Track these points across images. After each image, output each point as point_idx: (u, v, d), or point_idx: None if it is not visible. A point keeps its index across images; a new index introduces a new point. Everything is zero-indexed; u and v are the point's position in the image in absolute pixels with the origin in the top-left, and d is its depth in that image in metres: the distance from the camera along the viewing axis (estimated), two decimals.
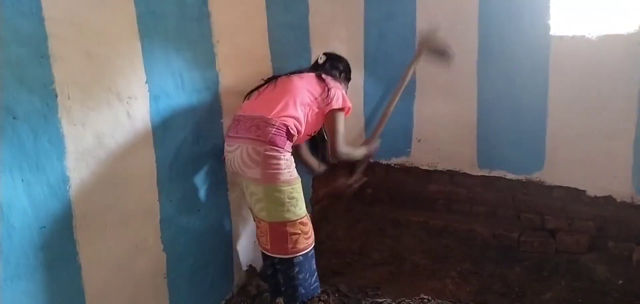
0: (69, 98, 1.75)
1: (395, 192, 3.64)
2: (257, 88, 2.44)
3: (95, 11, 1.84)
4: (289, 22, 3.00)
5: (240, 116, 2.33)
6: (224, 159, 2.37)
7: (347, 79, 2.75)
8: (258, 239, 2.41)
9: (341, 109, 2.44)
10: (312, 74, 2.50)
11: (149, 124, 2.11)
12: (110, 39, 1.90)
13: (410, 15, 3.31)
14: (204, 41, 2.37)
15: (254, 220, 2.41)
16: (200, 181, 2.42)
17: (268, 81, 2.46)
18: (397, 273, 2.98)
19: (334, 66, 2.65)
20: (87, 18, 1.81)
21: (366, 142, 3.01)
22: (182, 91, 2.26)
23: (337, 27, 3.50)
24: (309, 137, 2.51)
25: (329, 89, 2.39)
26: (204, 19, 2.35)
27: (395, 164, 3.62)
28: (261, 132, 2.18)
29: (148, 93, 2.08)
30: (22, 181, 1.65)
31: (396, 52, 3.41)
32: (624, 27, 2.68)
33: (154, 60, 2.09)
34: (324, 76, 2.49)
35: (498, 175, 3.23)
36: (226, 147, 2.32)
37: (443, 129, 3.36)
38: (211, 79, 2.43)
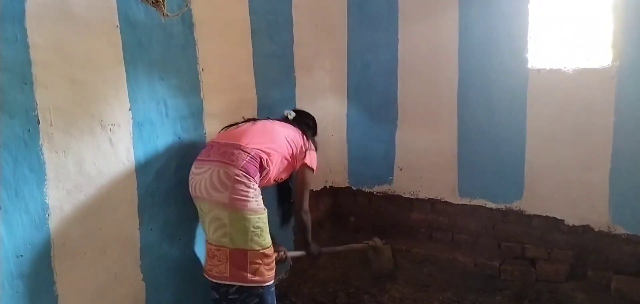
0: (51, 125, 1.74)
1: (378, 220, 3.65)
2: (235, 124, 2.47)
3: (81, 39, 1.84)
4: (273, 51, 3.03)
5: (214, 142, 2.33)
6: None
7: (314, 134, 2.80)
8: (210, 271, 2.20)
9: (312, 169, 2.56)
10: (296, 128, 2.56)
11: (132, 152, 2.10)
12: (95, 66, 1.90)
13: (392, 46, 3.38)
14: (189, 69, 2.38)
15: (208, 249, 2.24)
16: (182, 208, 2.39)
17: (248, 120, 2.53)
18: (380, 302, 2.96)
19: (304, 122, 2.71)
20: (73, 45, 1.82)
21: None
22: (166, 118, 2.26)
23: (321, 57, 3.55)
24: (275, 182, 2.49)
25: (307, 149, 2.53)
26: (189, 47, 2.37)
27: (377, 192, 3.64)
28: (235, 158, 2.18)
29: (131, 120, 2.08)
30: (0, 208, 1.61)
31: (379, 81, 3.47)
32: (598, 61, 2.78)
33: (139, 87, 2.09)
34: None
35: (478, 204, 3.27)
36: (194, 170, 2.26)
37: (424, 158, 3.40)
38: (195, 106, 2.44)
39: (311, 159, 2.55)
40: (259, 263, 2.17)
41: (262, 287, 2.19)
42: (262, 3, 2.87)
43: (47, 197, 1.76)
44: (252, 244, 2.15)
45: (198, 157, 2.29)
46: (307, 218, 2.67)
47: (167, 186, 2.28)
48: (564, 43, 2.88)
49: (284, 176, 2.50)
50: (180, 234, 2.39)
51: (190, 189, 2.26)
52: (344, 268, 3.33)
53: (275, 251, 2.48)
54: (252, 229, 2.14)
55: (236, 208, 2.12)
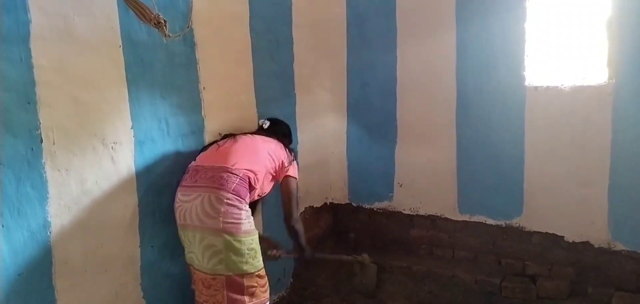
0: (54, 143, 1.76)
1: (378, 237, 3.65)
2: (215, 142, 2.43)
3: (85, 59, 1.88)
4: (273, 70, 3.06)
5: (198, 166, 2.26)
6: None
7: (291, 142, 2.80)
8: (206, 303, 2.17)
9: (295, 178, 2.54)
10: (275, 140, 2.54)
11: (133, 170, 2.12)
12: (98, 86, 1.93)
13: (391, 65, 3.41)
14: (191, 88, 2.41)
15: (202, 278, 2.16)
16: None
17: (226, 136, 2.48)
18: None
19: (280, 132, 2.69)
20: (77, 66, 1.85)
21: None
22: (167, 136, 2.28)
23: (320, 76, 3.58)
24: (258, 198, 2.41)
25: (291, 161, 2.52)
26: (191, 67, 2.40)
27: (378, 209, 3.64)
28: (224, 182, 2.13)
29: (133, 138, 2.10)
30: (2, 226, 1.63)
31: (378, 99, 3.50)
32: (594, 79, 2.80)
33: (141, 106, 2.12)
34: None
35: (478, 220, 3.27)
36: (180, 197, 2.18)
37: (424, 174, 3.41)
38: (196, 124, 2.46)
39: (294, 170, 2.55)
40: (255, 286, 2.15)
41: None
42: (262, 23, 2.91)
43: (49, 215, 1.77)
44: (248, 267, 2.12)
45: (182, 183, 2.22)
46: (299, 226, 2.62)
47: (168, 203, 2.29)
48: (560, 61, 2.91)
49: (267, 190, 2.46)
50: (181, 252, 2.39)
51: (177, 218, 2.19)
52: (345, 287, 3.32)
53: (272, 249, 2.56)
54: (247, 251, 2.11)
55: (230, 232, 2.08)
